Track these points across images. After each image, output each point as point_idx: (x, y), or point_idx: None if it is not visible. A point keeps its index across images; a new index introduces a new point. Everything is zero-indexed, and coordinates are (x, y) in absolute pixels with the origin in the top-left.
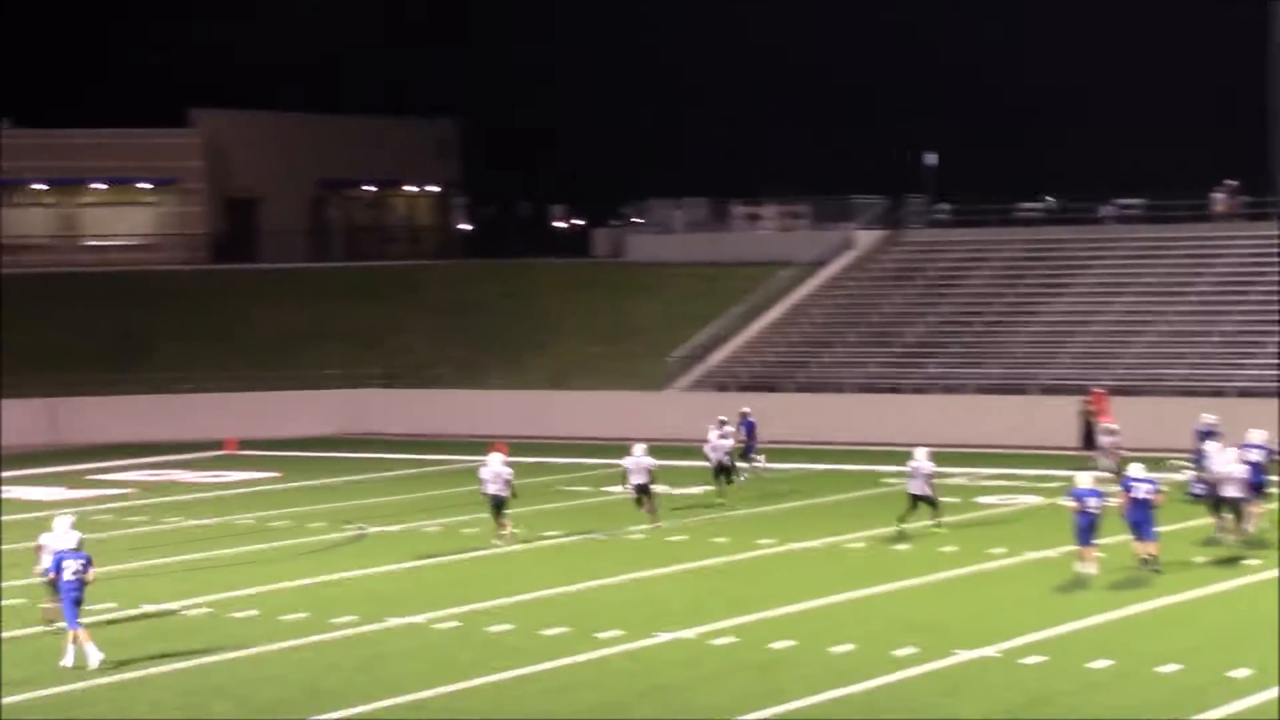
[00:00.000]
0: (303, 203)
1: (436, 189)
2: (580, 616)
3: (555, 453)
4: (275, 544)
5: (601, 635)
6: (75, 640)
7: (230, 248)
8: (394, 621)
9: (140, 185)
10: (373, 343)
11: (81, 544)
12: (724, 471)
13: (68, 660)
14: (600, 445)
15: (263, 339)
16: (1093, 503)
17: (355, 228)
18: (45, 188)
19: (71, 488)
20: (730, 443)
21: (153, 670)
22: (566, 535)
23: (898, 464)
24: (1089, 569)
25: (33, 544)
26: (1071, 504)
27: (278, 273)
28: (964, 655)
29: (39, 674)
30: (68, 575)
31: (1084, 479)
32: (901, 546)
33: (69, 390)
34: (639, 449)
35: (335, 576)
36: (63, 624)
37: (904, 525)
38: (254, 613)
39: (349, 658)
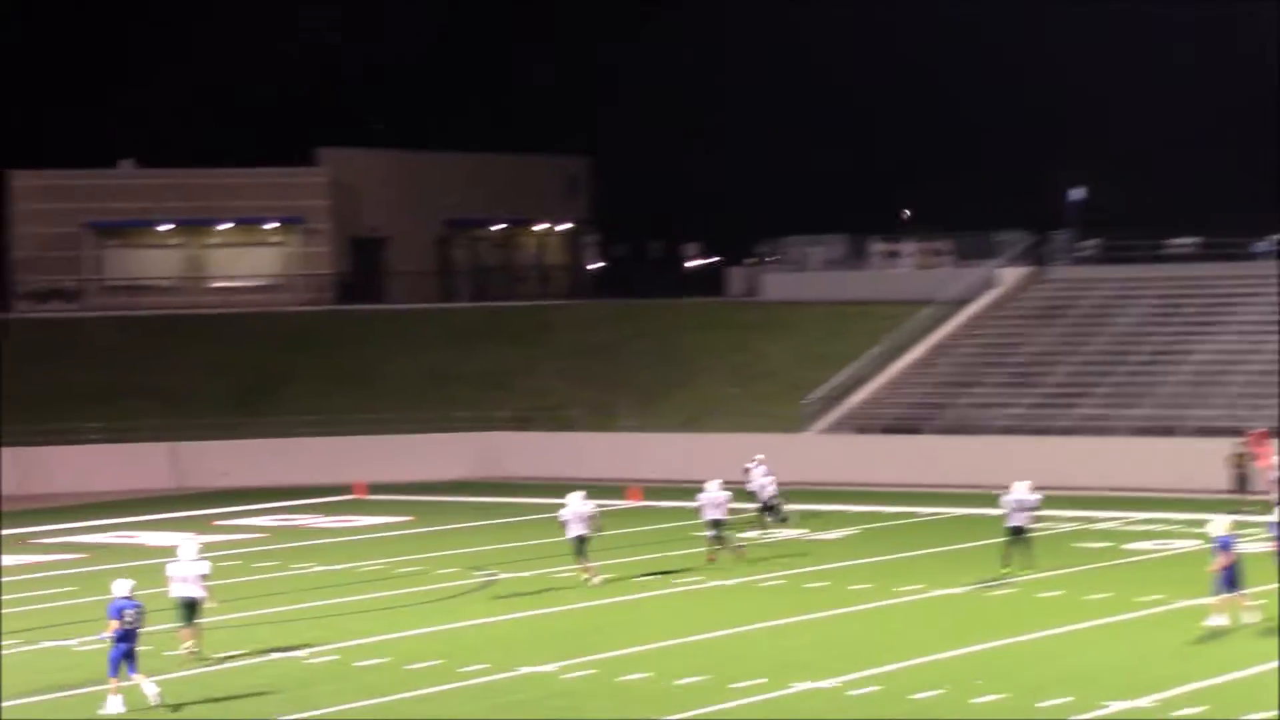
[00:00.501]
0: (429, 242)
1: (567, 227)
2: (716, 665)
3: (689, 496)
4: (405, 590)
5: (739, 685)
6: (117, 690)
7: (356, 288)
8: (525, 670)
9: (267, 225)
10: (503, 384)
11: (134, 590)
12: (769, 509)
13: (111, 708)
14: (735, 489)
15: (391, 381)
16: (1228, 550)
17: (483, 267)
18: (172, 228)
19: (199, 532)
20: (773, 480)
21: (281, 719)
22: (702, 582)
23: (1044, 509)
24: (1221, 620)
25: (163, 589)
26: (1216, 551)
27: (405, 313)
28: (1117, 706)
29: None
30: (127, 623)
31: (1220, 525)
32: (1050, 594)
33: (194, 434)
34: (713, 485)
35: (465, 624)
36: (194, 648)
37: (1009, 569)
38: (383, 660)
39: (479, 706)
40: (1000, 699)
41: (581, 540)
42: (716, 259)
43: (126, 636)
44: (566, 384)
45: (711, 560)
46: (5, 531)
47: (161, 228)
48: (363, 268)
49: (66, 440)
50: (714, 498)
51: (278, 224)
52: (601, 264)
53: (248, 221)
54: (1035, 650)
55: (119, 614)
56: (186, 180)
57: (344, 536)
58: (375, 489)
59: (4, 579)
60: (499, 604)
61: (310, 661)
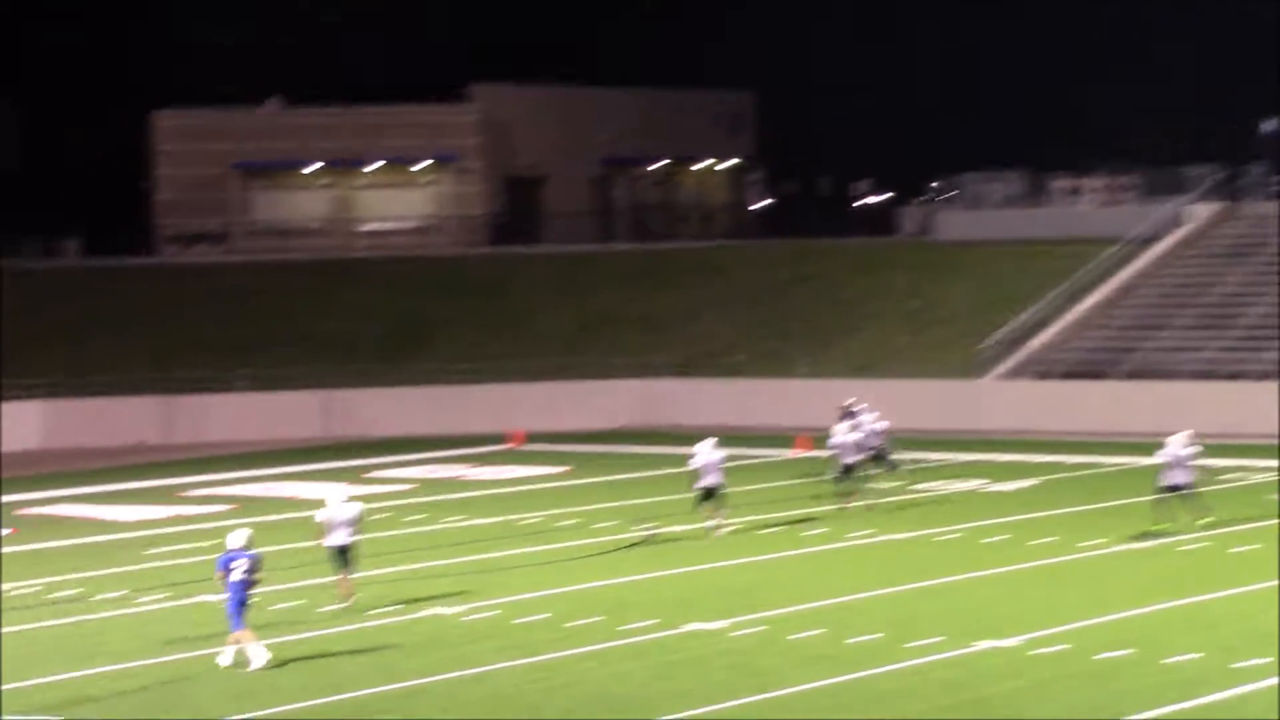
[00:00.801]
0: (587, 181)
1: (730, 164)
2: (892, 623)
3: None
4: (563, 544)
5: (916, 643)
6: (237, 641)
7: (511, 229)
8: (691, 627)
9: (418, 165)
10: (664, 329)
11: (252, 541)
12: (879, 459)
13: (225, 659)
14: (910, 438)
15: (547, 326)
16: None
17: (643, 207)
18: (320, 168)
19: (350, 484)
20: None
21: (437, 677)
22: (873, 535)
23: (1238, 458)
24: None
25: (311, 542)
26: None
27: (562, 255)
28: None
29: (338, 679)
30: (236, 576)
31: None
32: (1243, 548)
33: (344, 382)
34: (841, 428)
35: (628, 579)
36: (353, 597)
37: (1161, 526)
38: (542, 617)
39: (643, 666)
40: (1193, 659)
41: (710, 490)
42: (888, 196)
43: (239, 589)
44: (731, 329)
45: (845, 510)
46: (155, 483)
47: (309, 168)
48: (517, 208)
49: (214, 389)
50: (844, 441)
51: (429, 163)
52: (767, 202)
53: (398, 161)
54: (1228, 608)
55: (226, 567)
56: (335, 119)
57: (499, 488)
58: (531, 439)
59: (153, 531)
60: (661, 558)
61: (468, 619)
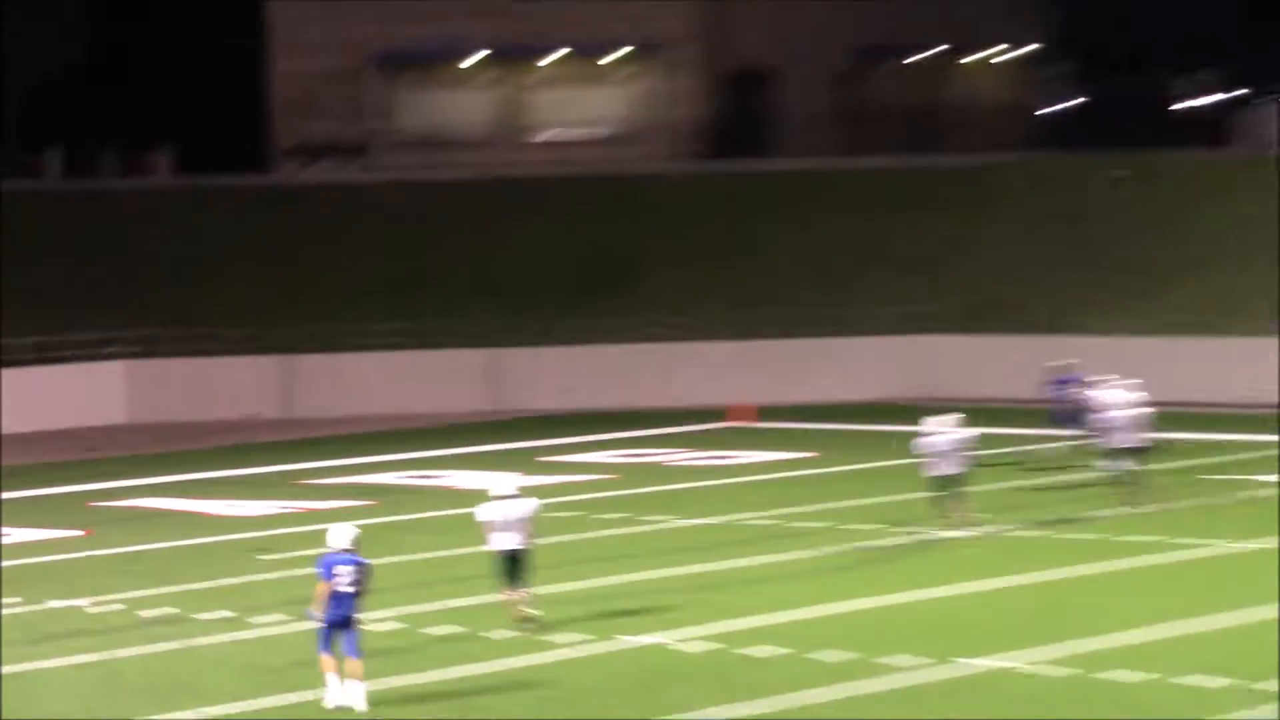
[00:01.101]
0: (832, 77)
1: (1018, 55)
2: (1234, 660)
3: (1204, 425)
4: (805, 553)
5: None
6: (344, 672)
7: (733, 139)
8: (968, 663)
9: (612, 55)
10: (936, 270)
11: (358, 543)
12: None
13: (334, 698)
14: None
15: (782, 267)
16: None
17: (906, 111)
18: (484, 60)
19: (528, 473)
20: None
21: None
22: (1199, 545)
23: None
24: None
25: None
26: None
27: (799, 174)
28: None
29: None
30: (342, 587)
31: None
32: None
33: (518, 338)
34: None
35: (887, 599)
36: (531, 619)
37: None
38: (776, 650)
39: (904, 709)
40: None
41: (946, 480)
42: (1223, 98)
43: (342, 603)
44: (1022, 269)
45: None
46: (270, 469)
47: (470, 60)
48: (742, 112)
49: (346, 347)
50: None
51: (626, 53)
52: (1065, 104)
53: (586, 51)
54: None
55: (330, 571)
56: None
57: (720, 478)
58: (763, 413)
59: (268, 531)
60: (931, 571)
61: (680, 648)
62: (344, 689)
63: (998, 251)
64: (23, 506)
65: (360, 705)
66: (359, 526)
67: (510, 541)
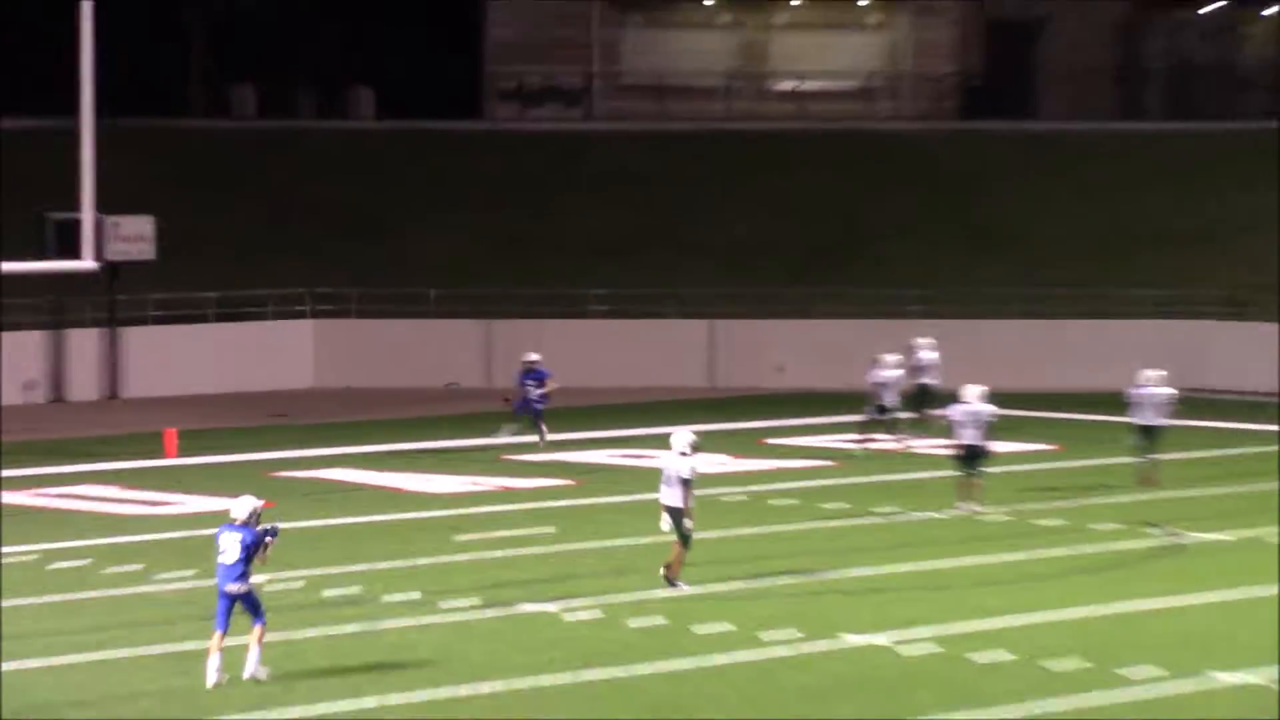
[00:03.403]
0: (1106, 28)
1: None
2: None
3: None
4: (1042, 552)
5: None
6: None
7: (993, 95)
8: (1219, 677)
9: (860, 1)
10: (1217, 247)
11: (256, 516)
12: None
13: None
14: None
15: (1044, 238)
16: None
17: (1189, 67)
18: (719, 1)
19: (740, 455)
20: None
21: None
22: None
23: None
24: None
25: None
26: None
27: (1067, 135)
28: None
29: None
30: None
31: None
32: None
33: (743, 309)
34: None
35: (1133, 606)
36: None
37: None
38: (1008, 656)
39: None
40: None
41: (969, 452)
42: None
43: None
44: None
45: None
46: (466, 442)
47: (707, 1)
48: (1004, 65)
49: (558, 313)
50: (975, 411)
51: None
52: None
53: None
54: None
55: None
56: None
57: (952, 470)
58: (1004, 400)
59: (462, 510)
60: (1182, 579)
61: (902, 652)
62: (249, 663)
63: (1252, 230)
64: (202, 473)
65: (260, 673)
66: (579, 507)
67: (670, 498)
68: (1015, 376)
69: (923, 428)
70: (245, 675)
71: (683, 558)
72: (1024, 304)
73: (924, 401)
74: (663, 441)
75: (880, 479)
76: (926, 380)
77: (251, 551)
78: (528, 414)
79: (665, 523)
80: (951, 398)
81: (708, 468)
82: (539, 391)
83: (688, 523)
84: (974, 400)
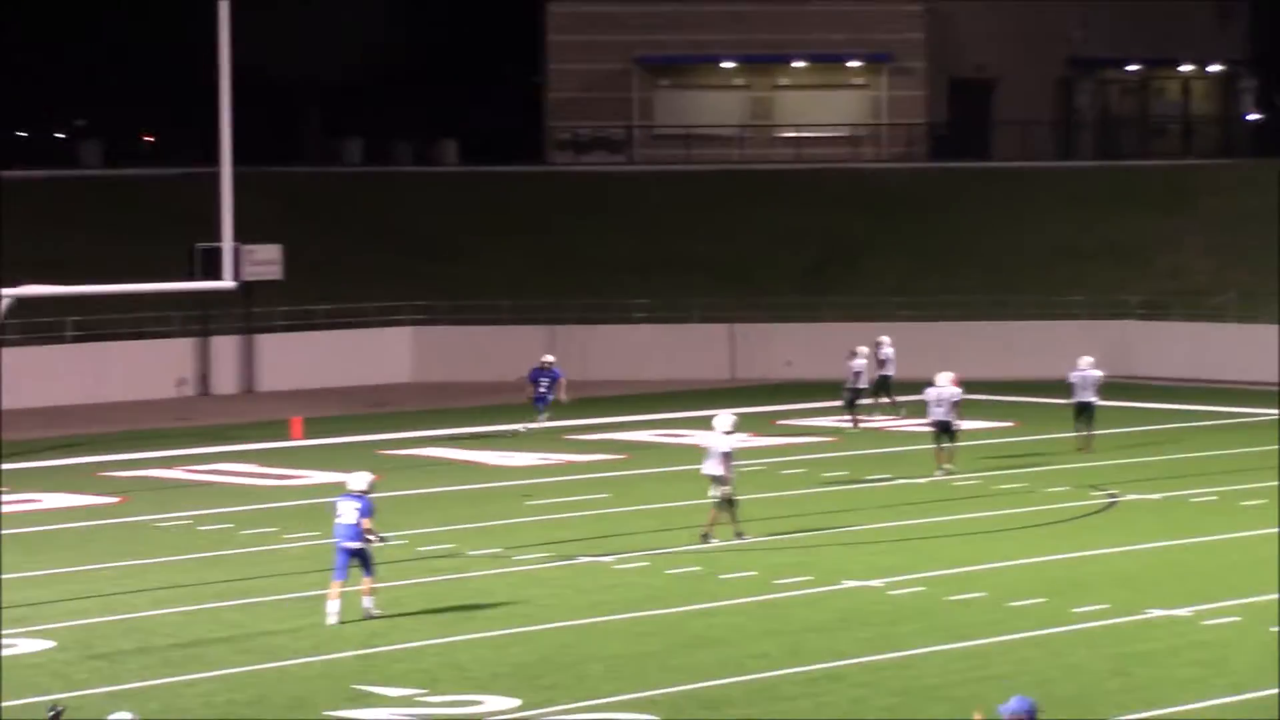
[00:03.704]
0: (1047, 85)
1: (1217, 69)
2: None
3: None
4: (1004, 510)
5: None
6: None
7: (955, 141)
8: (1154, 613)
9: (849, 64)
10: (1135, 262)
11: (373, 485)
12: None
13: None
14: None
15: (994, 256)
16: None
17: (1113, 118)
18: (735, 66)
19: (757, 434)
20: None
21: (853, 660)
22: None
23: None
24: None
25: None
26: None
27: (1015, 172)
28: None
29: (740, 658)
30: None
31: None
32: None
33: (755, 314)
34: (943, 378)
35: (1080, 554)
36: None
37: None
38: (976, 595)
39: (1095, 657)
40: None
41: (941, 427)
42: None
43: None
44: (1214, 264)
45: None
46: (543, 424)
47: (724, 65)
48: (964, 116)
49: (606, 319)
50: (940, 394)
51: (861, 62)
52: (1260, 115)
53: (825, 59)
54: None
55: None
56: (754, 9)
57: (930, 443)
58: (970, 387)
59: (533, 480)
60: (1120, 532)
61: (892, 593)
62: (365, 605)
63: (1189, 247)
64: (321, 452)
65: (373, 610)
66: (626, 476)
67: (713, 468)
68: (977, 367)
69: (888, 409)
70: (363, 615)
71: (717, 518)
72: (982, 307)
73: (884, 388)
74: (695, 423)
75: (871, 451)
76: (887, 371)
77: (365, 516)
78: (541, 406)
79: (714, 490)
80: (907, 386)
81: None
82: (544, 389)
83: (728, 489)
84: (945, 384)
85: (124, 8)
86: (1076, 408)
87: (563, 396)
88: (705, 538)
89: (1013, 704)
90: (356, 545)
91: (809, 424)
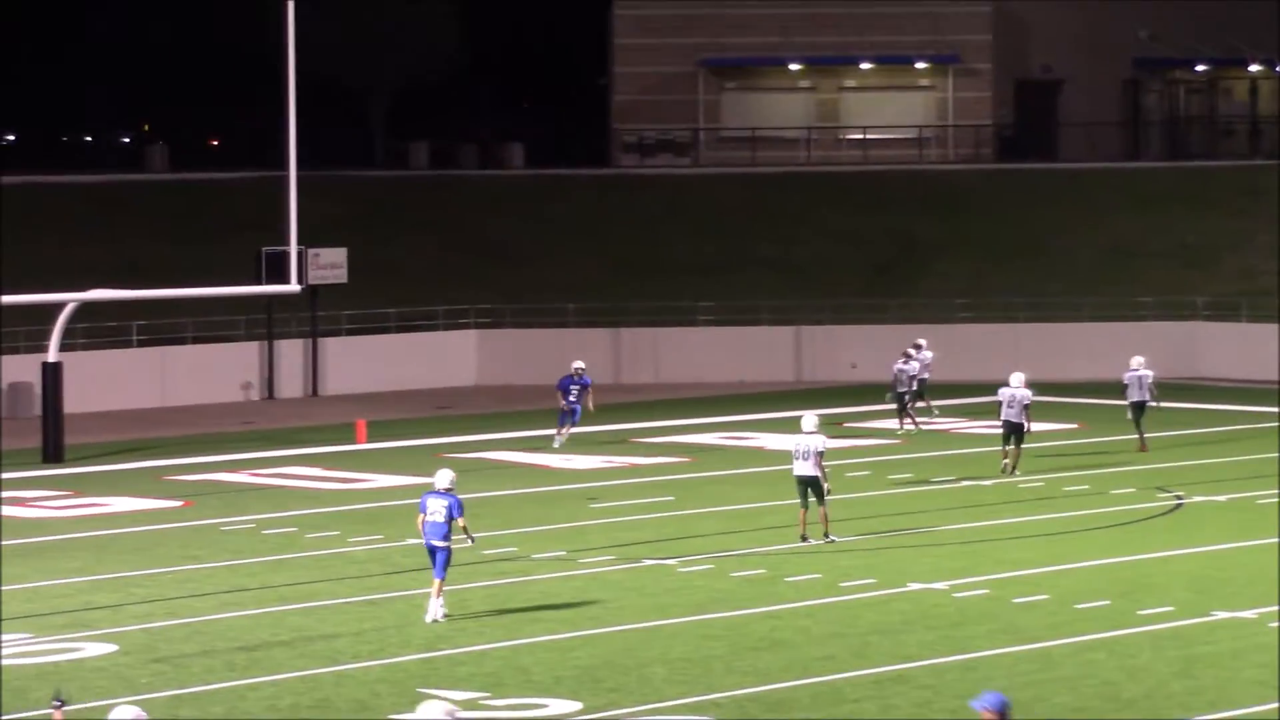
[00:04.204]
0: (1114, 86)
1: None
2: None
3: None
4: (1070, 513)
5: None
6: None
7: (1022, 142)
8: (1219, 615)
9: (915, 65)
10: (1203, 263)
11: (454, 484)
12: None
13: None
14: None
15: (1061, 257)
16: None
17: (1181, 118)
18: (801, 68)
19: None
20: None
21: (918, 663)
22: None
23: None
24: None
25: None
26: None
27: (1081, 173)
28: None
29: (804, 661)
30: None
31: None
32: None
33: (822, 316)
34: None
35: (1145, 556)
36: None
37: None
38: (1042, 597)
39: (1161, 659)
40: None
41: (1011, 428)
42: None
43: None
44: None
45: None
46: (600, 428)
47: (791, 67)
48: (1030, 117)
49: (672, 321)
50: (1014, 395)
51: (928, 64)
52: None
53: (892, 61)
54: None
55: (424, 506)
56: (820, 10)
57: (994, 445)
58: (1039, 389)
59: (598, 483)
60: (1186, 532)
61: (958, 595)
62: (432, 605)
63: (1258, 248)
64: (386, 456)
65: (440, 614)
66: (690, 480)
67: (804, 469)
68: (1043, 368)
69: (922, 411)
70: (427, 619)
71: (827, 515)
72: (1048, 309)
73: (921, 392)
74: (760, 425)
75: (936, 454)
76: (925, 375)
77: (458, 513)
78: (570, 421)
79: (800, 493)
80: (972, 388)
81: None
82: (574, 399)
83: (826, 486)
84: (1017, 386)
85: (191, 12)
86: (1131, 408)
87: (590, 405)
88: (804, 538)
89: (986, 698)
90: (444, 544)
91: (874, 426)
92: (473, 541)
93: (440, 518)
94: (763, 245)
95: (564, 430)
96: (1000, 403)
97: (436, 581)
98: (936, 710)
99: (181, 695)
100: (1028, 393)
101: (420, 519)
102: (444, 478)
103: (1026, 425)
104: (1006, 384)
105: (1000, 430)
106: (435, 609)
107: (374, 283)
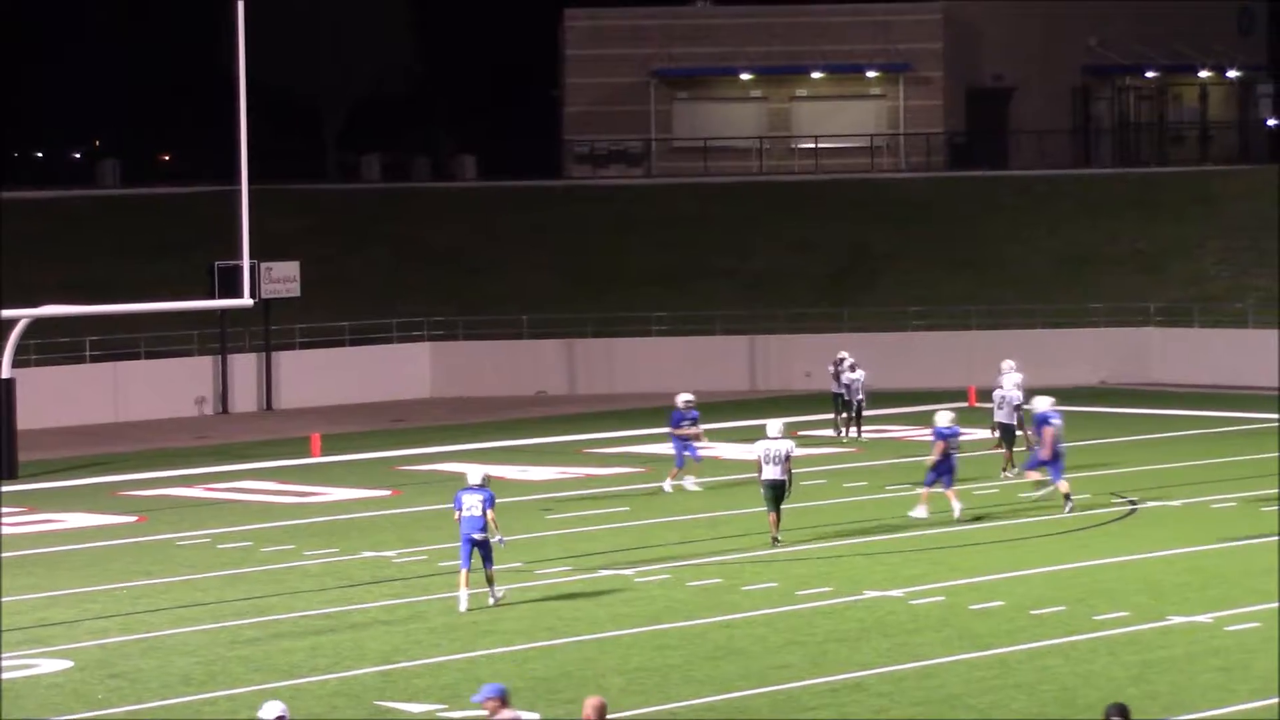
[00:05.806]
0: (1065, 94)
1: (1236, 75)
2: None
3: None
4: (1026, 519)
5: None
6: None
7: (974, 149)
8: (1174, 620)
9: (867, 74)
10: (1154, 270)
11: (487, 481)
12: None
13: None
14: None
15: (1014, 264)
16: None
17: (1131, 125)
18: (753, 78)
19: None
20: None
21: (875, 671)
22: None
23: None
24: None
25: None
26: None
27: (1033, 181)
28: None
29: (762, 669)
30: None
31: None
32: None
33: (775, 326)
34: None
35: (1101, 561)
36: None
37: None
38: (997, 604)
39: (1116, 664)
40: None
41: (1005, 430)
42: None
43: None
44: (1232, 271)
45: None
46: (556, 439)
47: (742, 77)
48: (982, 125)
49: (625, 332)
50: (1005, 396)
51: (879, 72)
52: (1278, 120)
53: (843, 69)
54: None
55: (459, 502)
56: (771, 20)
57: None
58: (988, 396)
59: (552, 494)
60: (1141, 539)
61: (914, 603)
62: (492, 591)
63: (1208, 254)
64: (338, 469)
65: (500, 595)
66: (645, 491)
67: (772, 473)
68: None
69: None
70: (491, 602)
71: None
72: (1001, 316)
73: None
74: (716, 435)
75: (890, 462)
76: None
77: (490, 507)
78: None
79: (769, 498)
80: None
81: (752, 455)
82: (689, 432)
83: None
84: (1009, 387)
85: (142, 26)
86: (1001, 429)
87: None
88: (775, 540)
89: (484, 690)
90: (482, 537)
91: (829, 435)
92: (501, 542)
93: (478, 511)
94: (716, 255)
95: (680, 474)
96: (993, 405)
97: (464, 572)
98: (893, 716)
99: (138, 711)
100: (1017, 394)
101: (456, 515)
102: (476, 473)
103: (1018, 427)
104: (999, 385)
105: (997, 434)
106: (465, 599)
107: (327, 296)
